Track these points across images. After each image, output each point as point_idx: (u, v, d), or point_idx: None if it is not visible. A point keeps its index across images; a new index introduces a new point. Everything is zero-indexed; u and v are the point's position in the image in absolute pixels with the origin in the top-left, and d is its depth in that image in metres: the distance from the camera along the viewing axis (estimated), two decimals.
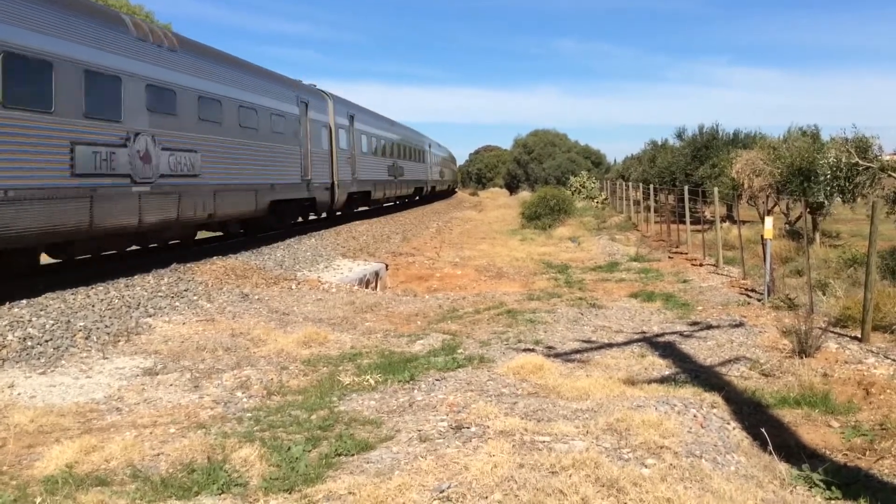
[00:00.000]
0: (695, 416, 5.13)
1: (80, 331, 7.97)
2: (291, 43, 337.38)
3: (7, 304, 8.37)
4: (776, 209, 20.09)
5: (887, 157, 16.80)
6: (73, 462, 4.42)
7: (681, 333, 8.83)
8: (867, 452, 5.31)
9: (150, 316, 9.04)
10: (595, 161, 68.86)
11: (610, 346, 8.12)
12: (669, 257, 17.57)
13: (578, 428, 4.77)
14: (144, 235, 12.55)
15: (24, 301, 8.65)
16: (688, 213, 19.01)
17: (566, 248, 20.70)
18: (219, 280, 11.55)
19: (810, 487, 4.42)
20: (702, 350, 8.00)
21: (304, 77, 36.45)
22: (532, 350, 7.76)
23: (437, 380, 6.40)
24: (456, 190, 68.55)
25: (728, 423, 5.38)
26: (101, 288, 9.86)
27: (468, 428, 4.88)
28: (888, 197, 14.70)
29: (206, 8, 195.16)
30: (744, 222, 17.10)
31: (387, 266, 16.52)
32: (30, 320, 7.91)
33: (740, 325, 9.23)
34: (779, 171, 18.70)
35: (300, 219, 21.01)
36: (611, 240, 22.22)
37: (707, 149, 29.00)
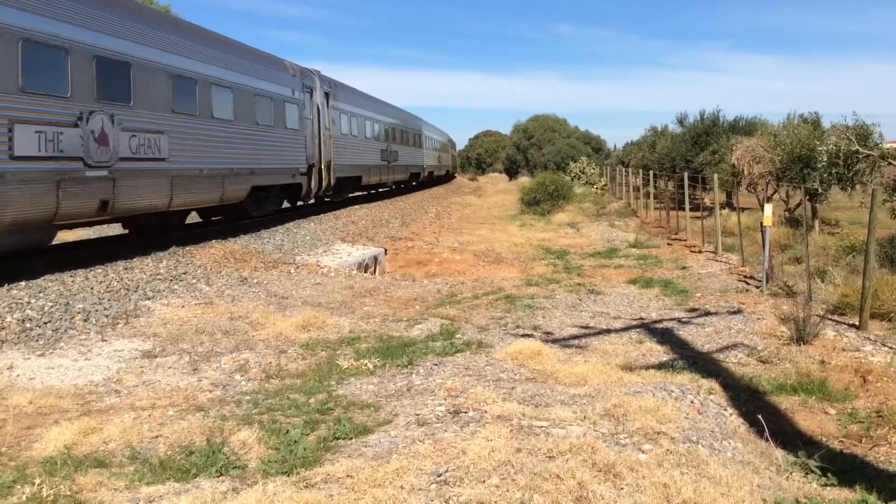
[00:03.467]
0: (692, 402, 5.15)
1: (79, 313, 7.97)
2: (290, 25, 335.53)
3: (6, 286, 8.36)
4: (776, 196, 20.06)
5: (888, 145, 16.73)
6: (72, 443, 4.43)
7: (679, 320, 8.84)
8: (863, 439, 5.34)
9: (149, 299, 9.04)
10: (595, 147, 68.66)
11: (608, 331, 8.12)
12: (668, 244, 17.56)
13: (576, 413, 4.78)
14: None
15: (23, 283, 8.63)
16: (687, 200, 18.98)
17: (565, 234, 20.68)
18: (217, 263, 11.54)
19: (806, 474, 4.44)
20: (699, 336, 8.01)
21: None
22: (530, 335, 7.77)
23: (435, 364, 6.42)
24: (455, 175, 68.47)
25: (725, 410, 5.40)
26: (99, 270, 9.85)
27: (466, 413, 4.89)
28: (887, 185, 14.67)
29: None
30: (743, 209, 17.08)
31: (386, 251, 16.52)
32: (28, 302, 7.91)
33: (738, 311, 9.23)
34: (779, 158, 18.65)
35: None
36: (610, 226, 22.20)
37: (707, 135, 28.90)
